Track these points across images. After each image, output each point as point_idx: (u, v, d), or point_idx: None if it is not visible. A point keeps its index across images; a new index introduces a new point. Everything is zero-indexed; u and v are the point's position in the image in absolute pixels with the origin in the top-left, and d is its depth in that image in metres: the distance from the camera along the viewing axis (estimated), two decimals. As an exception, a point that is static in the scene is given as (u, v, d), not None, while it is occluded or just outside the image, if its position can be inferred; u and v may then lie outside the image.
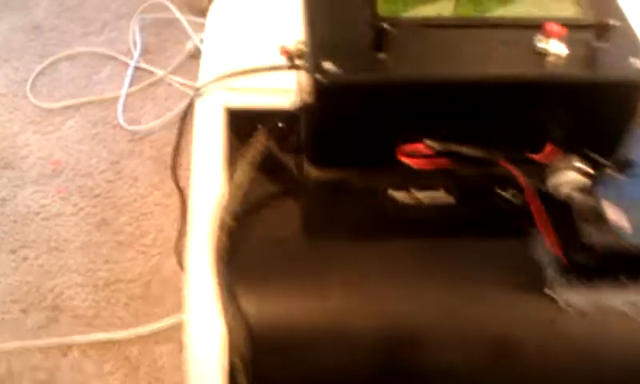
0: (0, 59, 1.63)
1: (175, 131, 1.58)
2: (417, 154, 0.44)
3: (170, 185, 1.38)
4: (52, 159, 1.43)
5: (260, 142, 0.43)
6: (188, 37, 1.65)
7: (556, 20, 0.44)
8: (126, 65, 1.60)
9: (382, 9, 0.45)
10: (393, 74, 0.41)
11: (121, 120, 1.49)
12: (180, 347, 1.15)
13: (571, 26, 0.44)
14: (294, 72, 0.48)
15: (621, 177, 0.44)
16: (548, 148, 0.45)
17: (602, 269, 0.39)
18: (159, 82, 1.58)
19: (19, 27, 1.69)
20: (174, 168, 0.54)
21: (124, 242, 1.30)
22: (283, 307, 0.41)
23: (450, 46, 0.43)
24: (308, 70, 0.41)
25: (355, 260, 0.43)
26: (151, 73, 1.59)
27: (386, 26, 0.41)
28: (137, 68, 1.60)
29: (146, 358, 1.14)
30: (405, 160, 0.45)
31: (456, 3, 0.46)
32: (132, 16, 1.69)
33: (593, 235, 0.38)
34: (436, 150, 0.44)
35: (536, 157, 0.45)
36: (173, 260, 1.28)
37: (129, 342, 1.16)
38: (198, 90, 0.51)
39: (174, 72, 1.59)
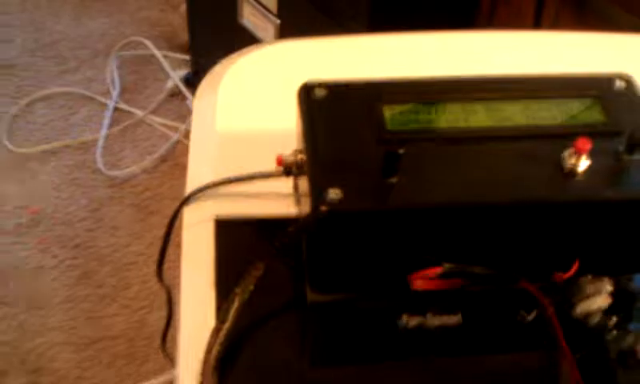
0: (-27, 102, 1.57)
1: (156, 175, 1.54)
2: (431, 276, 0.41)
3: (151, 233, 1.34)
4: (30, 208, 1.38)
5: (256, 271, 0.39)
6: (167, 74, 1.60)
7: (583, 129, 0.41)
8: (104, 105, 1.55)
9: (390, 123, 0.41)
10: (403, 202, 0.37)
11: (100, 164, 1.44)
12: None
13: (599, 136, 0.41)
14: (291, 181, 0.44)
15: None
16: (575, 267, 0.41)
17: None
18: (139, 122, 1.53)
19: (-8, 68, 1.64)
20: (160, 275, 0.50)
21: (106, 296, 1.25)
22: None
23: (466, 164, 0.40)
24: (309, 196, 0.37)
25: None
26: (130, 113, 1.54)
27: (394, 146, 0.37)
28: (115, 108, 1.55)
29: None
30: (419, 284, 0.41)
31: (471, 112, 0.42)
32: (109, 53, 1.65)
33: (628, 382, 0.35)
34: (453, 273, 0.41)
35: (563, 276, 0.42)
36: (157, 314, 1.24)
37: (114, 404, 1.11)
38: (186, 198, 0.47)
39: (153, 112, 1.54)
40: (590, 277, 0.42)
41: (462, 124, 0.42)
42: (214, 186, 0.47)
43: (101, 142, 1.49)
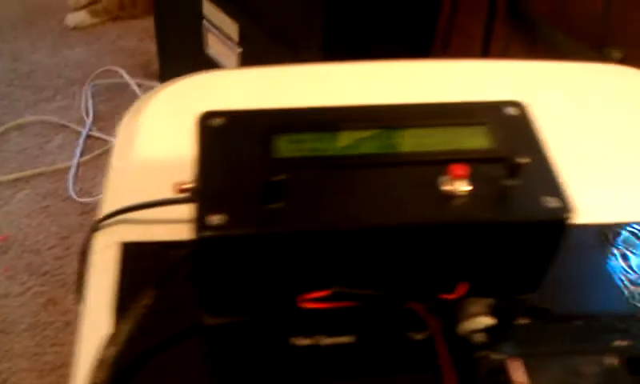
0: (-52, 131, 1.59)
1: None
2: (320, 298, 0.42)
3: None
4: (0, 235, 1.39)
5: (145, 299, 0.41)
6: (141, 103, 1.62)
7: (464, 155, 0.42)
8: (78, 133, 1.57)
9: (279, 150, 0.42)
10: (283, 226, 0.39)
11: (71, 192, 1.46)
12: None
13: (480, 162, 0.42)
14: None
15: (534, 325, 0.42)
16: (461, 289, 0.43)
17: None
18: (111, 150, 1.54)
19: (-31, 97, 1.66)
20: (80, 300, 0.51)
21: (71, 323, 1.26)
22: None
23: (350, 190, 0.41)
24: (194, 222, 0.38)
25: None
26: (103, 141, 1.56)
27: (276, 174, 0.39)
28: (89, 136, 1.57)
29: None
30: (309, 306, 0.42)
31: (360, 140, 0.44)
32: (84, 83, 1.67)
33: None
34: (341, 295, 0.42)
35: (448, 297, 0.43)
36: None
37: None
38: (96, 223, 0.49)
39: (126, 139, 1.56)
40: (473, 298, 0.43)
41: (349, 151, 0.43)
42: (122, 213, 0.49)
43: (73, 170, 1.50)
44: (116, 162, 0.55)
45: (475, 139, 0.44)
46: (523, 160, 0.41)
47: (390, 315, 0.44)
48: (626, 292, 0.47)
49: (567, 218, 0.41)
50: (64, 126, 1.60)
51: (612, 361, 0.38)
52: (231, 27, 1.15)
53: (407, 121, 0.45)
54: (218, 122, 0.44)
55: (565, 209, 0.41)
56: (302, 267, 0.41)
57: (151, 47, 1.78)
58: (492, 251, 0.42)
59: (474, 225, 0.40)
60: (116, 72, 1.70)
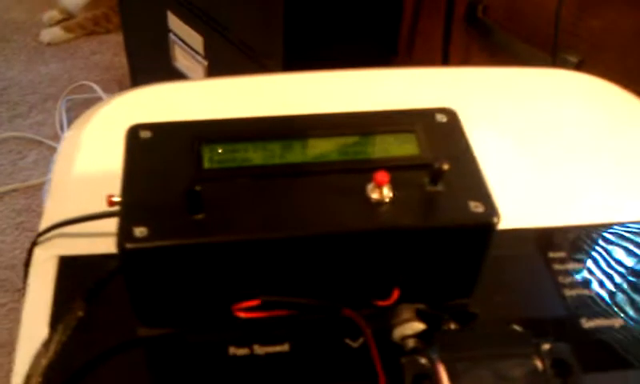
0: None
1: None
2: (254, 308, 0.42)
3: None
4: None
5: (78, 305, 0.41)
6: (116, 117, 1.62)
7: (390, 162, 0.43)
8: (53, 149, 1.57)
9: (204, 161, 0.42)
10: (206, 237, 0.39)
11: (45, 207, 1.45)
12: None
13: (406, 169, 0.42)
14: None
15: (463, 330, 0.42)
16: (395, 294, 0.43)
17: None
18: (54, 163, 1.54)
19: (-57, 114, 1.66)
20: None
21: (45, 339, 1.25)
22: None
23: (275, 199, 0.41)
24: (117, 235, 0.38)
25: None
26: (78, 156, 1.55)
27: (201, 184, 0.39)
28: (63, 152, 1.56)
29: None
30: (242, 315, 0.42)
31: (289, 149, 0.44)
32: (58, 98, 1.67)
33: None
34: (271, 304, 0.42)
35: (381, 304, 0.43)
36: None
37: None
38: (36, 237, 0.49)
39: (101, 154, 1.56)
40: (405, 304, 0.43)
41: (277, 161, 0.43)
42: (58, 227, 0.49)
43: (47, 186, 1.50)
44: (57, 175, 0.55)
45: (403, 146, 0.45)
46: (446, 166, 0.41)
47: (325, 323, 0.44)
48: (562, 296, 0.47)
49: (492, 223, 0.41)
50: (39, 142, 1.59)
51: (538, 364, 0.38)
52: (196, 40, 1.16)
53: (337, 129, 0.45)
54: (145, 134, 0.44)
55: (489, 213, 0.41)
56: (231, 277, 0.41)
57: (125, 62, 1.78)
58: (421, 257, 0.42)
59: (398, 231, 0.41)
60: (90, 87, 1.70)
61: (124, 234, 0.39)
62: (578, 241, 0.51)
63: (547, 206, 0.54)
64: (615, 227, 0.52)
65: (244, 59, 1.09)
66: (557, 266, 0.49)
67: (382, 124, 0.46)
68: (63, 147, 0.58)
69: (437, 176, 0.42)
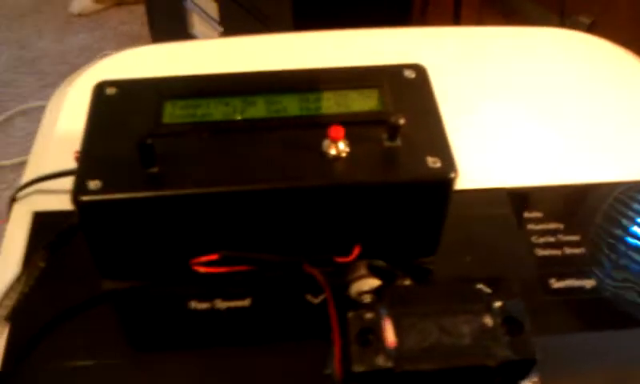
0: (-45, 118, 1.63)
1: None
2: (213, 262, 0.42)
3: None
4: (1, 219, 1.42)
5: (41, 255, 0.42)
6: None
7: (351, 118, 0.42)
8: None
9: (164, 117, 0.43)
10: (157, 189, 0.39)
11: (71, 175, 1.48)
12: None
13: (365, 124, 0.42)
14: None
15: (415, 286, 0.42)
16: (355, 251, 0.43)
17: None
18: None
19: (-25, 84, 1.70)
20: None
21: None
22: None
23: (233, 153, 0.41)
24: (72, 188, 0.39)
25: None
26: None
27: (159, 139, 0.39)
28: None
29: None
30: (202, 270, 0.43)
31: (251, 105, 0.44)
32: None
33: (359, 359, 0.36)
34: (233, 259, 0.42)
35: (342, 260, 0.43)
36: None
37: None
38: (14, 193, 0.50)
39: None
40: (364, 260, 0.43)
41: (237, 116, 0.43)
42: (34, 183, 0.50)
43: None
44: (42, 134, 0.56)
45: (365, 102, 0.44)
46: (402, 121, 0.40)
47: (287, 279, 0.44)
48: (534, 256, 0.46)
49: (449, 178, 0.41)
50: (66, 111, 1.62)
51: (488, 320, 0.38)
52: (211, 6, 1.16)
53: (300, 85, 0.45)
54: (111, 91, 0.45)
55: (446, 169, 0.41)
56: (188, 231, 0.42)
57: (153, 31, 1.80)
58: (379, 213, 0.42)
59: (352, 186, 0.40)
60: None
61: (78, 187, 0.39)
62: (555, 201, 0.50)
63: (531, 166, 0.53)
64: (596, 188, 0.51)
65: (257, 24, 1.08)
66: (531, 226, 0.48)
67: (348, 80, 0.45)
68: (50, 105, 0.59)
69: (394, 131, 0.41)
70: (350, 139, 0.41)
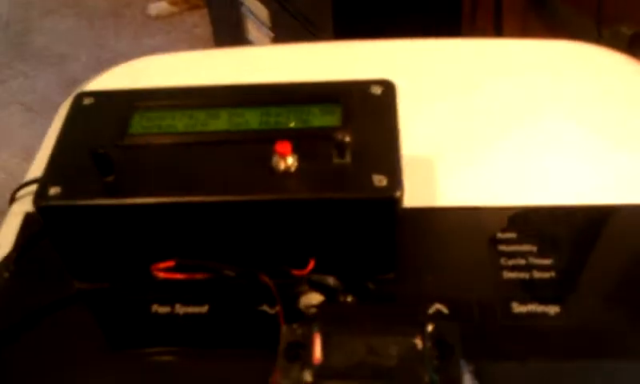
0: (34, 113, 1.73)
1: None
2: (172, 269, 0.44)
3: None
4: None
5: (10, 257, 0.44)
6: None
7: (304, 133, 0.43)
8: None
9: (129, 128, 0.45)
10: (112, 198, 0.41)
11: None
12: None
13: (318, 140, 0.42)
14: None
15: (354, 304, 0.42)
16: (310, 265, 0.43)
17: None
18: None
19: (55, 83, 1.79)
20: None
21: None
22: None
23: (189, 165, 0.42)
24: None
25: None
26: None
27: (103, 149, 0.41)
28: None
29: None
30: (162, 275, 0.44)
31: (214, 117, 0.45)
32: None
33: (285, 374, 0.37)
34: (190, 266, 0.44)
35: (298, 273, 0.44)
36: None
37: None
38: (13, 193, 0.53)
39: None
40: (315, 274, 0.43)
41: (199, 128, 0.45)
42: (29, 184, 0.53)
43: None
44: (49, 137, 0.59)
45: (324, 118, 0.44)
46: (347, 138, 0.41)
47: (245, 288, 0.45)
48: (500, 278, 0.45)
49: (393, 197, 0.40)
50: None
51: (418, 342, 0.37)
52: (263, 12, 1.18)
53: (266, 100, 0.46)
54: (88, 101, 0.47)
55: (391, 187, 0.40)
56: (146, 238, 0.43)
57: (225, 34, 1.85)
58: (328, 228, 0.42)
59: (297, 201, 0.41)
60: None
61: (39, 193, 0.42)
62: (531, 222, 0.48)
63: (514, 186, 0.52)
64: (574, 211, 0.49)
65: (304, 31, 1.10)
66: (502, 247, 0.47)
67: (312, 95, 0.46)
68: (60, 111, 0.62)
69: (341, 148, 0.41)
70: (301, 154, 0.42)
